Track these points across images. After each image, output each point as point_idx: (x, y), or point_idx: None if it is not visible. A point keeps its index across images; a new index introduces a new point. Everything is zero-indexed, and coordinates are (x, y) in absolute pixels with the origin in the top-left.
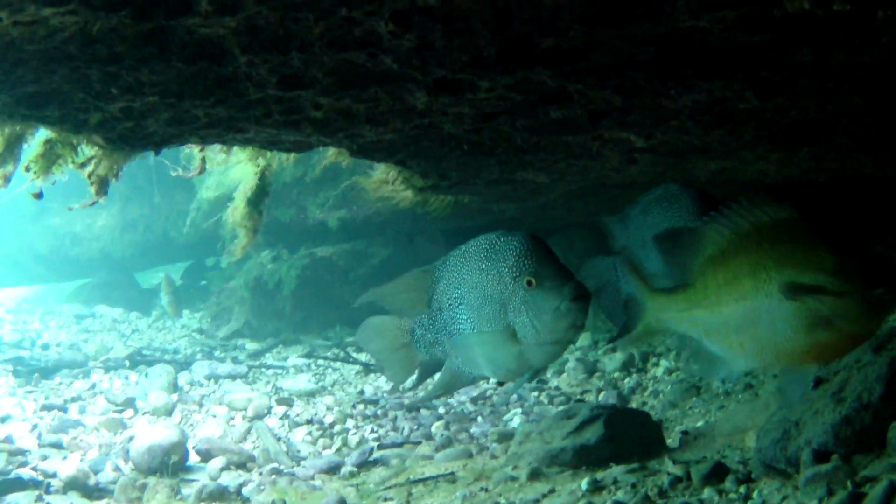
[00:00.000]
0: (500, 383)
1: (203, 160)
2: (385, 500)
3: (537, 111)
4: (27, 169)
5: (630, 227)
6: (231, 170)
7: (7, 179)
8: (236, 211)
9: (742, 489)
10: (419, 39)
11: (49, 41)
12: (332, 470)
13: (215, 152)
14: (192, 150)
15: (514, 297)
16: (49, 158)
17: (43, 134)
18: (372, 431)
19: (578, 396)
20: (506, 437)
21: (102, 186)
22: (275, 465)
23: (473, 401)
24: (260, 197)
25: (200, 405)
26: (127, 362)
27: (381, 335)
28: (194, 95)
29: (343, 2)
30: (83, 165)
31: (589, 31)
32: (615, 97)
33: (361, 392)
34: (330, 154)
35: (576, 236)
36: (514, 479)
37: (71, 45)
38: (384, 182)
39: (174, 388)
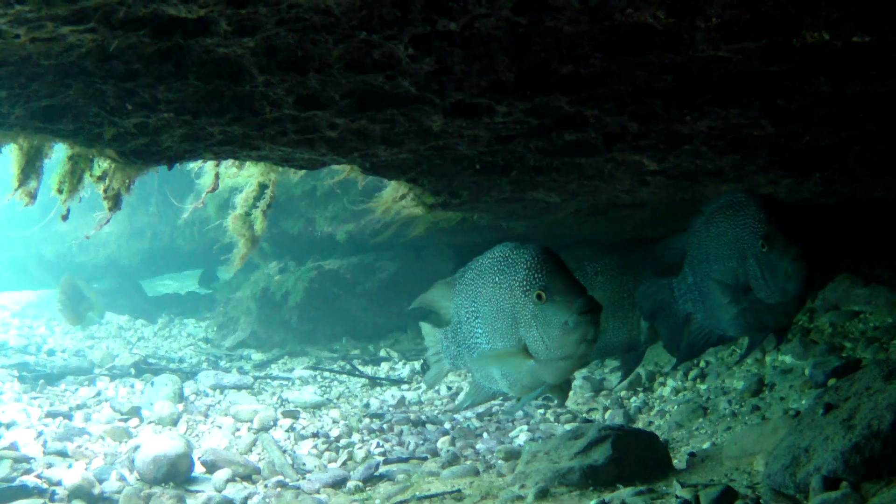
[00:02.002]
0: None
1: (217, 176)
2: None
3: (552, 134)
4: (59, 191)
5: (692, 240)
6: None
7: (33, 196)
8: (236, 219)
9: None
10: (438, 64)
11: (65, 56)
12: (338, 484)
13: (227, 166)
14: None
15: (524, 311)
16: (75, 175)
17: (65, 152)
18: (378, 446)
19: (584, 415)
20: (512, 454)
21: (116, 202)
22: (280, 478)
23: (479, 416)
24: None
25: (206, 416)
26: (132, 370)
27: (426, 340)
28: (210, 113)
29: (363, 25)
30: (100, 179)
31: (608, 59)
32: (632, 123)
33: (367, 405)
34: (343, 171)
35: (584, 254)
36: (521, 498)
37: (87, 61)
38: (395, 199)
39: (180, 397)
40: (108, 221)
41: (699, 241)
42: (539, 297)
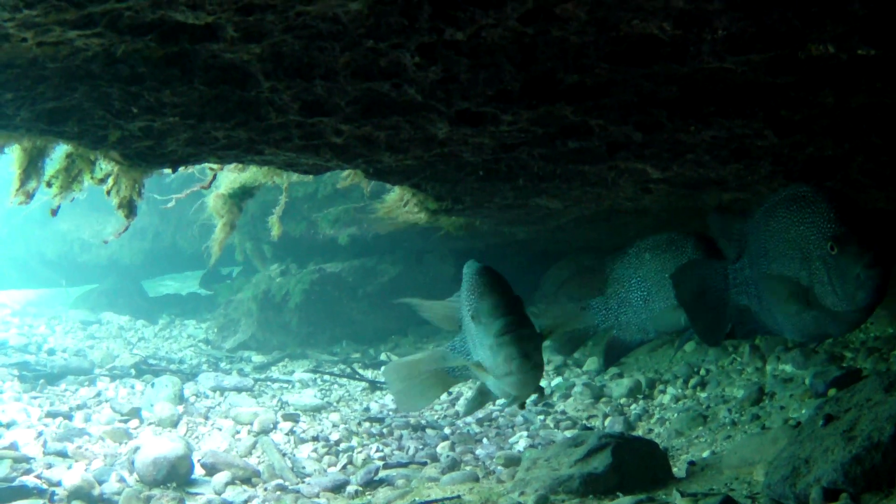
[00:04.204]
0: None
1: (214, 177)
2: None
3: (556, 142)
4: (49, 185)
5: (749, 233)
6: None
7: (30, 196)
8: (217, 198)
9: None
10: (444, 72)
11: (72, 60)
12: (338, 488)
13: (230, 169)
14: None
15: (472, 331)
16: (70, 173)
17: (63, 149)
18: (377, 450)
19: (584, 421)
20: (512, 461)
21: (131, 209)
22: (280, 481)
23: (479, 422)
24: (243, 194)
25: (206, 418)
26: (133, 371)
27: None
28: (215, 118)
29: (370, 33)
30: (101, 181)
31: (613, 69)
32: (636, 132)
33: (367, 409)
34: (346, 176)
35: (585, 260)
36: None
37: (93, 64)
38: (398, 205)
39: (180, 399)
40: (126, 229)
41: (758, 234)
42: (473, 318)
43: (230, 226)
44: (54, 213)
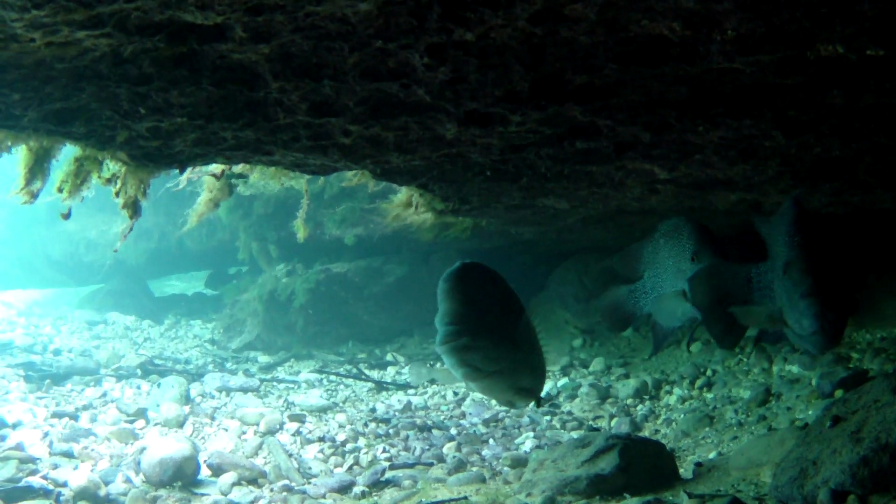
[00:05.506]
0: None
1: (222, 172)
2: None
3: (564, 143)
4: (59, 189)
5: (770, 237)
6: None
7: (35, 196)
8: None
9: None
10: (453, 73)
11: (79, 60)
12: (344, 489)
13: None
14: None
15: None
16: (79, 176)
17: (71, 151)
18: (384, 451)
19: (591, 422)
20: (519, 462)
21: (136, 209)
22: (286, 482)
23: (485, 423)
24: (239, 176)
25: (212, 418)
26: (139, 371)
27: None
28: (223, 118)
29: (379, 34)
30: (109, 181)
31: (622, 70)
32: (644, 133)
33: (373, 410)
34: (352, 175)
35: (591, 260)
36: None
37: (101, 65)
38: (405, 205)
39: (186, 399)
40: (130, 230)
41: (772, 240)
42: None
43: (214, 203)
44: (66, 216)
